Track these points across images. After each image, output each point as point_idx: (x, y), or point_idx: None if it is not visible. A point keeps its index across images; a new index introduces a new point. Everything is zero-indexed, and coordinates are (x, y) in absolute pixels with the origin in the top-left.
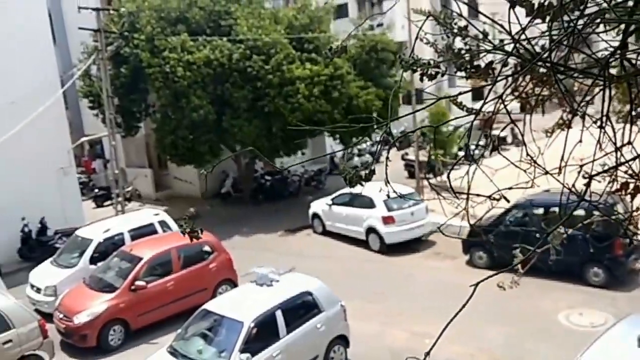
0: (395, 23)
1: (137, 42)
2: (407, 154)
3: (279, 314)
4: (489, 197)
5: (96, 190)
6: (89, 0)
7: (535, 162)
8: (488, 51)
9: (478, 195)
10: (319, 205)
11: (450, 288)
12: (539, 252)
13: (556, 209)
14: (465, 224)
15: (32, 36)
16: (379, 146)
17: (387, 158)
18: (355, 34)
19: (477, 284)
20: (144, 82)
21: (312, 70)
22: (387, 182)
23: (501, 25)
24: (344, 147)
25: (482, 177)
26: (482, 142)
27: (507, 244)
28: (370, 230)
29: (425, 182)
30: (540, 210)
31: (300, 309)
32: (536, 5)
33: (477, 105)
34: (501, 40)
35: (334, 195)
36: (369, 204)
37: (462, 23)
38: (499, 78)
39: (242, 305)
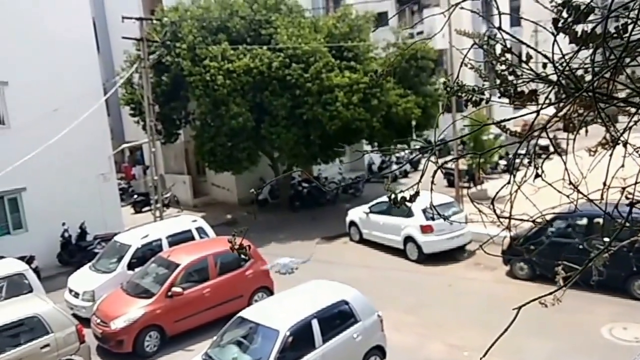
0: (435, 31)
1: (178, 51)
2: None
3: (314, 323)
4: (533, 221)
5: (135, 196)
6: (132, 9)
7: (577, 188)
8: (531, 80)
9: (521, 220)
10: (356, 213)
11: (490, 300)
12: (583, 269)
13: (600, 220)
14: (507, 233)
15: (76, 45)
16: (426, 163)
17: (433, 182)
18: (394, 41)
19: (520, 308)
20: (184, 90)
21: (351, 78)
22: (432, 206)
23: (545, 56)
24: (382, 155)
25: (525, 187)
26: (524, 153)
27: (549, 255)
28: (408, 239)
29: (465, 191)
30: (584, 221)
31: (337, 318)
32: (579, 33)
33: (519, 113)
34: (544, 65)
35: (371, 204)
36: (407, 212)
37: (503, 46)
38: (543, 106)
39: (278, 313)
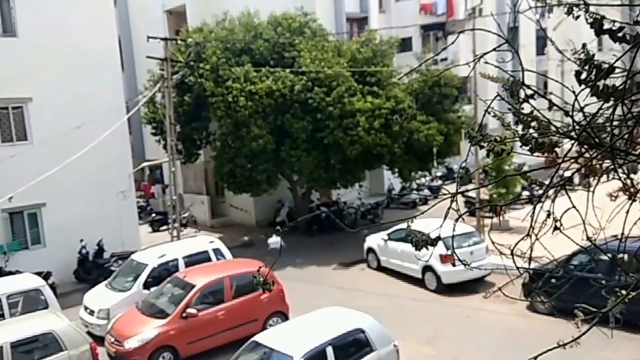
0: (459, 58)
1: (202, 71)
2: (467, 191)
3: (329, 350)
4: (550, 272)
5: (153, 215)
6: (157, 29)
7: (594, 243)
8: (552, 135)
9: (537, 271)
10: (374, 240)
11: (509, 334)
12: (600, 317)
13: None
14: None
15: (101, 63)
16: (448, 209)
17: (454, 229)
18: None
19: (536, 357)
20: (206, 110)
21: (374, 103)
22: (453, 253)
23: (565, 112)
24: (402, 180)
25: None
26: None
27: (571, 289)
28: (427, 268)
29: (487, 221)
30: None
31: (352, 346)
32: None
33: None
34: (566, 113)
35: (390, 231)
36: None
37: (528, 92)
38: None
39: (293, 339)
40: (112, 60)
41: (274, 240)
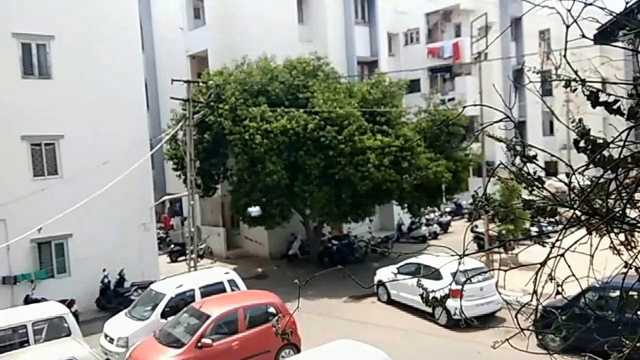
0: (467, 98)
1: (221, 111)
2: (476, 226)
3: None
4: (558, 314)
5: (172, 246)
6: (181, 72)
7: (594, 311)
8: (552, 205)
9: (546, 309)
10: (384, 274)
11: None
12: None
13: (634, 293)
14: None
15: (129, 104)
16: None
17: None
18: (426, 107)
19: None
20: (224, 147)
21: (383, 141)
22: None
23: (566, 183)
24: (412, 215)
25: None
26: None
27: (580, 327)
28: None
29: (496, 257)
30: (617, 294)
31: None
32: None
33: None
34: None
35: (399, 265)
36: (435, 275)
37: (531, 153)
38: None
39: None
40: (138, 101)
41: (254, 210)
